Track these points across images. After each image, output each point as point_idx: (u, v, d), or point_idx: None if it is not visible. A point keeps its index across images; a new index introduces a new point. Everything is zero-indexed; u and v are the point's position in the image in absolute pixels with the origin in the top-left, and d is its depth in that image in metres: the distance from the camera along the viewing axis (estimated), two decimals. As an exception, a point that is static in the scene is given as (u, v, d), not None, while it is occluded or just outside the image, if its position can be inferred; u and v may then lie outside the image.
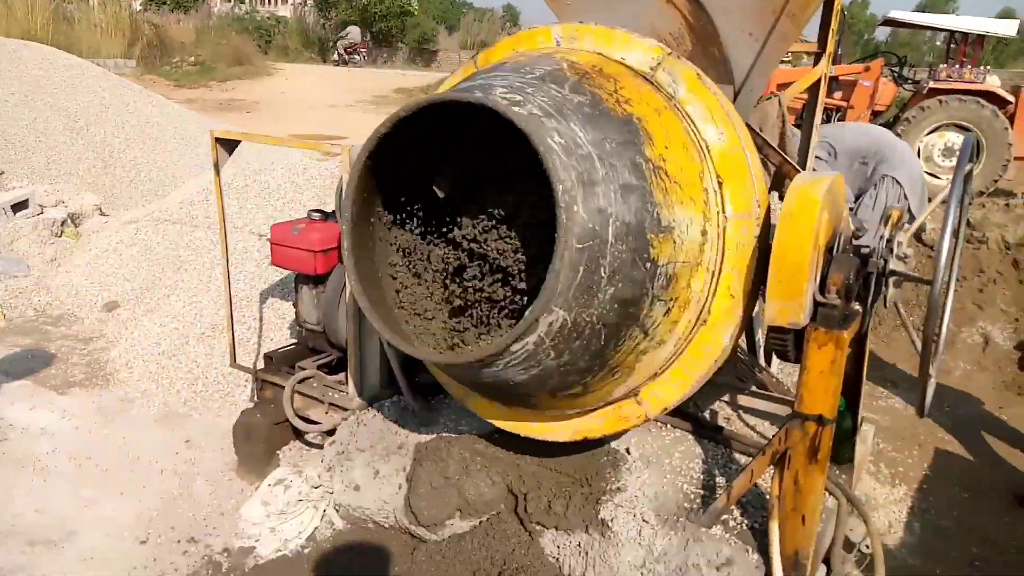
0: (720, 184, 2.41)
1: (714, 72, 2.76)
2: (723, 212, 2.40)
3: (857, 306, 2.42)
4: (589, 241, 2.01)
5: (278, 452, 3.74)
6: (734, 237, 2.40)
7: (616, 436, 2.96)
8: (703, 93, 2.47)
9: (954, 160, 9.59)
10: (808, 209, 2.18)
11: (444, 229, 2.60)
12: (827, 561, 2.81)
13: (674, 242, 2.22)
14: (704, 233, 2.33)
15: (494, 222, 2.43)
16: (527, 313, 2.07)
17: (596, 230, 2.02)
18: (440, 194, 2.64)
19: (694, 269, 2.32)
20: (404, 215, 2.58)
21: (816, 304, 2.28)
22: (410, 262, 2.68)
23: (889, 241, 2.39)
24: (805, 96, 3.55)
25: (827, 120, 9.43)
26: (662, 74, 2.49)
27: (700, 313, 2.43)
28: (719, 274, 2.41)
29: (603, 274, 2.07)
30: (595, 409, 2.68)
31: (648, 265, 2.15)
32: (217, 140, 3.46)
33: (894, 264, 2.38)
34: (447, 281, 2.64)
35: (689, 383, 2.54)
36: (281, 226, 3.67)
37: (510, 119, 2.02)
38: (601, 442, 2.98)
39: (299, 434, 3.77)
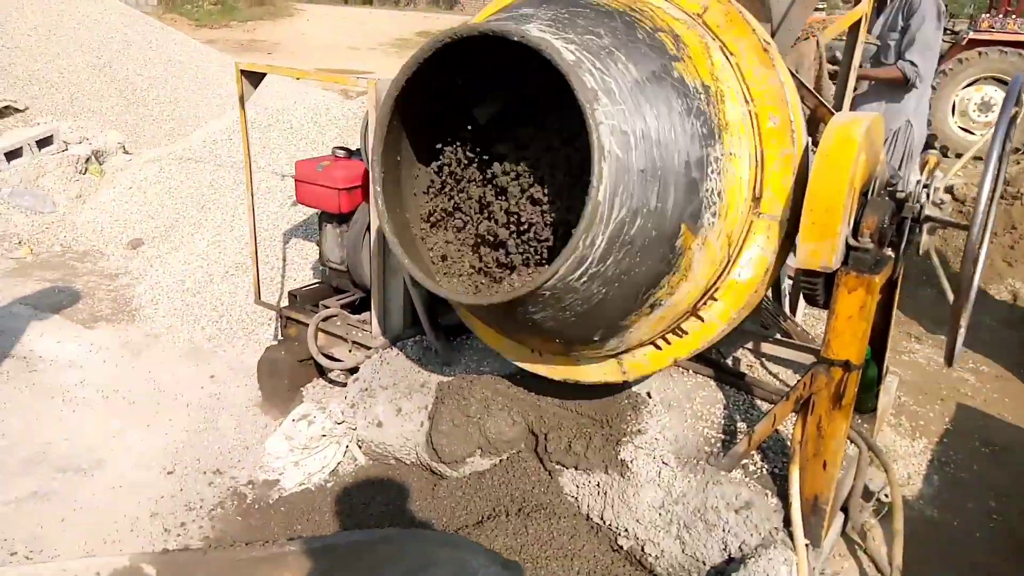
0: None
1: (750, 7, 2.68)
2: None
3: (889, 252, 2.37)
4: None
5: (301, 389, 3.79)
6: None
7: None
8: None
9: (990, 116, 9.31)
10: (845, 150, 2.12)
11: (473, 167, 2.55)
12: (845, 509, 2.82)
13: None
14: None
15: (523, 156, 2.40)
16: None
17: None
18: (480, 120, 2.56)
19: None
20: (435, 149, 2.53)
21: (848, 248, 2.24)
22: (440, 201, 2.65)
23: (926, 186, 2.33)
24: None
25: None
26: None
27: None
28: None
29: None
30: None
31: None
32: (243, 73, 3.42)
33: (930, 210, 2.32)
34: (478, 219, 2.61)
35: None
36: (305, 163, 3.65)
37: (513, 37, 2.00)
38: (622, 386, 2.99)
39: (322, 372, 3.81)
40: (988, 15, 9.85)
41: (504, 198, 2.44)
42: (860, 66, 4.69)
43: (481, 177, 2.51)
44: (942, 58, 9.76)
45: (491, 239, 2.50)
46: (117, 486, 3.21)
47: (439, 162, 2.54)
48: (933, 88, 4.61)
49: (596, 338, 2.47)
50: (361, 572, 2.46)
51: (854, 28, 3.28)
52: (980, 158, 1.94)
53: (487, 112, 2.57)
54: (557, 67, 1.94)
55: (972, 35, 9.36)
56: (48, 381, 3.92)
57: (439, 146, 2.52)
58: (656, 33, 2.23)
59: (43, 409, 3.69)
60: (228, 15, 21.11)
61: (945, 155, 9.12)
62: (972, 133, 9.21)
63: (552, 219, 2.37)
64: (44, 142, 6.62)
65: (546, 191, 2.37)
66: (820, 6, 9.08)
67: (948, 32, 10.49)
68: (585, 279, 2.09)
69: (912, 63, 4.46)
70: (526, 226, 2.38)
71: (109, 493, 3.17)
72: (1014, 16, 9.58)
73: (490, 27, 2.04)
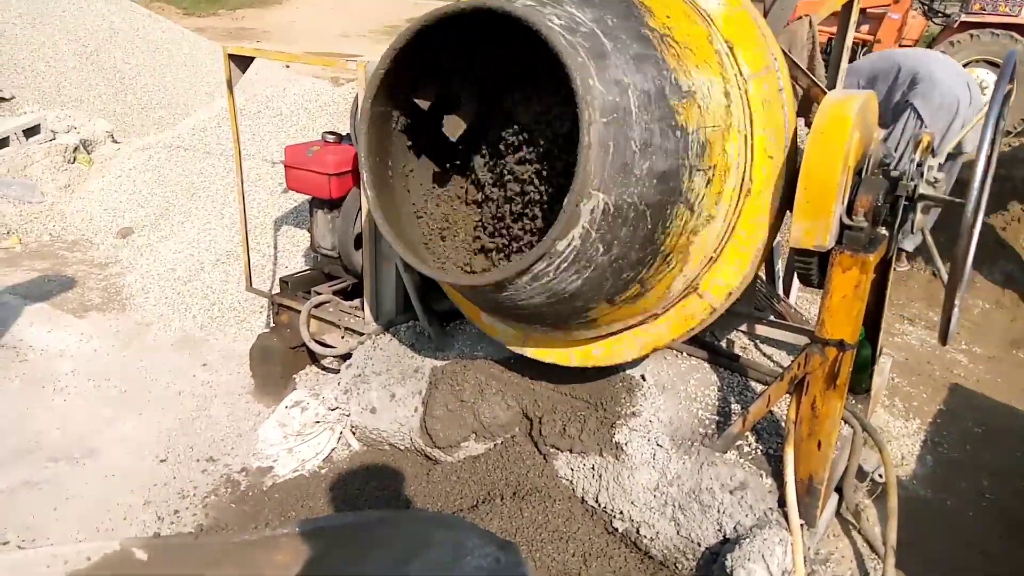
0: (731, 47, 2.40)
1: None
2: (740, 74, 2.38)
3: (884, 231, 2.36)
4: (612, 114, 1.98)
5: (294, 376, 3.77)
6: (758, 95, 2.38)
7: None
8: None
9: (983, 98, 9.27)
10: (839, 127, 2.10)
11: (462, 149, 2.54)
12: (839, 489, 2.82)
13: (698, 106, 2.19)
14: (727, 95, 2.30)
15: (519, 139, 2.38)
16: (564, 203, 1.99)
17: (617, 101, 1.99)
18: (451, 138, 2.55)
19: (725, 133, 2.27)
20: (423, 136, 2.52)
21: (842, 227, 2.23)
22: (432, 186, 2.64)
23: (919, 165, 2.31)
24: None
25: (853, 57, 9.12)
26: None
27: (742, 181, 2.36)
28: (752, 136, 2.36)
29: (634, 147, 2.02)
30: (656, 316, 2.58)
31: (678, 133, 2.12)
32: (230, 57, 3.38)
33: (924, 188, 2.31)
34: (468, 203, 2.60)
35: (747, 261, 2.44)
36: (295, 148, 3.61)
37: (507, 12, 1.98)
38: (616, 369, 2.98)
39: (315, 358, 3.79)
40: (981, -4, 9.78)
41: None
42: None
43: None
44: (934, 41, 9.72)
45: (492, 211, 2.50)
46: (109, 475, 3.20)
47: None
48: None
49: (626, 298, 2.46)
50: (356, 554, 2.44)
51: (847, 7, 3.25)
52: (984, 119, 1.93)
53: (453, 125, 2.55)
54: (547, 42, 1.93)
55: (964, 17, 9.29)
56: (39, 370, 3.89)
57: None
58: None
59: (34, 398, 3.66)
60: (217, 3, 20.94)
61: (938, 138, 9.10)
62: (965, 115, 9.18)
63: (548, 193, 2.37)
64: (31, 131, 6.55)
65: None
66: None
67: (939, 15, 10.46)
68: (596, 231, 2.10)
69: None
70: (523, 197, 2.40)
71: (101, 482, 3.15)
72: (1005, -2, 9.52)
73: (473, 3, 2.04)
